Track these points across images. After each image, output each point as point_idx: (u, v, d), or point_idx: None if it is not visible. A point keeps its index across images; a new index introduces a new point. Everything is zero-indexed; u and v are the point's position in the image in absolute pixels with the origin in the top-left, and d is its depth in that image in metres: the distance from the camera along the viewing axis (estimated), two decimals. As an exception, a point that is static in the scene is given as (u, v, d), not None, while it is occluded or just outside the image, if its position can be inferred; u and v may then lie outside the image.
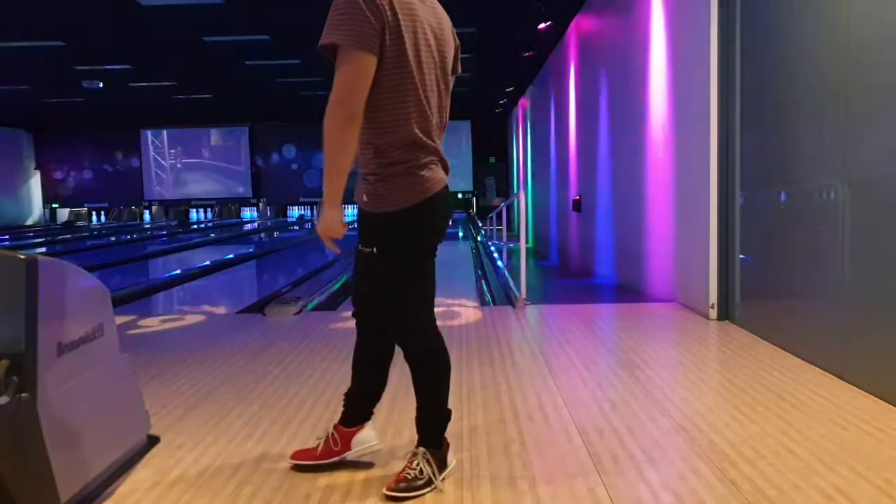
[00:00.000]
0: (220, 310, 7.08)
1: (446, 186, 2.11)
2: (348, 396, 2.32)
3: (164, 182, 24.40)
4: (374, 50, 1.93)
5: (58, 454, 1.86)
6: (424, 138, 2.05)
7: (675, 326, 4.57)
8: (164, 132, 23.97)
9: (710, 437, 2.53)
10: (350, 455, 2.28)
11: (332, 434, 2.29)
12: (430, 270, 2.15)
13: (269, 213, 24.35)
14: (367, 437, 2.30)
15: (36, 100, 17.23)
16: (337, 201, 1.99)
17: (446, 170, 2.13)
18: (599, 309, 5.74)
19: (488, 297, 7.73)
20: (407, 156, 2.02)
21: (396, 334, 2.17)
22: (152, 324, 5.13)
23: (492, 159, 23.88)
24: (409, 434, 2.61)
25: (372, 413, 2.34)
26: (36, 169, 24.38)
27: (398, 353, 2.21)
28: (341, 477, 2.24)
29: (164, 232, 19.72)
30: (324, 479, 2.21)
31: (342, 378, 3.47)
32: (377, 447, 2.32)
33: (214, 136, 24.11)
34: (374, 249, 2.06)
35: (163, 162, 24.36)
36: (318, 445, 2.31)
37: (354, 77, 1.92)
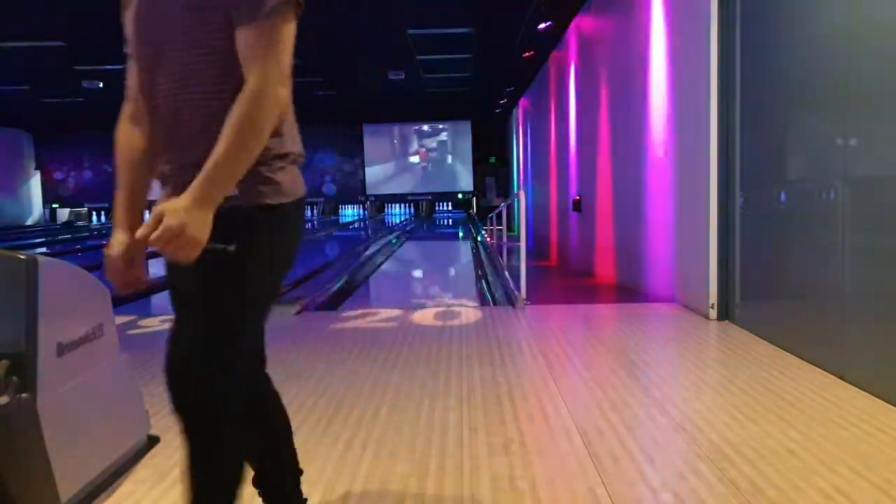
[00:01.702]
0: (220, 310, 7.06)
1: None
2: (260, 482, 1.84)
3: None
4: None
5: (58, 454, 1.86)
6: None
7: (675, 326, 4.57)
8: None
9: (710, 437, 2.53)
10: None
11: None
12: None
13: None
14: None
15: (36, 100, 17.24)
16: (217, 202, 1.43)
17: None
18: (599, 309, 5.73)
19: (488, 297, 7.74)
20: (294, 146, 1.60)
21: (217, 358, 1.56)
22: (152, 324, 5.12)
23: (492, 159, 23.90)
24: (410, 433, 2.62)
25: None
26: (36, 169, 24.38)
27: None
28: (341, 478, 2.24)
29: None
30: (323, 480, 2.21)
31: (342, 378, 3.48)
32: None
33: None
34: (250, 255, 1.51)
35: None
36: None
37: (291, 48, 1.47)
